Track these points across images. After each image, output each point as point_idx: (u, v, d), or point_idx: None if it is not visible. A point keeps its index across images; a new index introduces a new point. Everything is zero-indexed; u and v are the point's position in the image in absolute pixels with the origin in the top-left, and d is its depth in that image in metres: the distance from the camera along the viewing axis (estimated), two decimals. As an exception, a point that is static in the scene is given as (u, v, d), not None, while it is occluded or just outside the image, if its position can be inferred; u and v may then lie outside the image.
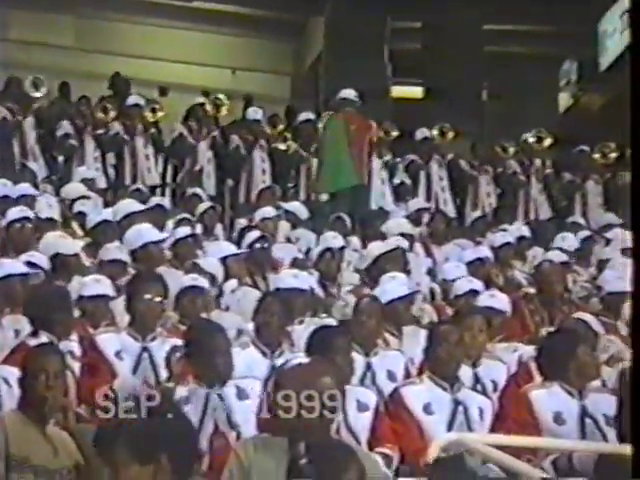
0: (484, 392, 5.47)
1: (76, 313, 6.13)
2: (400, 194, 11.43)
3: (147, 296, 5.74)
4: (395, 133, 12.11)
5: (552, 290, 7.25)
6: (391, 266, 7.35)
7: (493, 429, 5.06)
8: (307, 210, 10.16)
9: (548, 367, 5.00)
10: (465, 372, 5.42)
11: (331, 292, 7.84)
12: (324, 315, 7.04)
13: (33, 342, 5.39)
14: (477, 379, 5.62)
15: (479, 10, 14.97)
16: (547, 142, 12.27)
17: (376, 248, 7.90)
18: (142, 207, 8.97)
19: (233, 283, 7.55)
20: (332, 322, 6.41)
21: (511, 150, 12.15)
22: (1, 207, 8.25)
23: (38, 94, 11.86)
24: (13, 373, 4.83)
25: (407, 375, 5.65)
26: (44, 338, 5.49)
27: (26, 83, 11.78)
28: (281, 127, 12.31)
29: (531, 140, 12.28)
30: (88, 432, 4.34)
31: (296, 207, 10.19)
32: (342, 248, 8.35)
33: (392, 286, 6.52)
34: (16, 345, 5.58)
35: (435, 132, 12.15)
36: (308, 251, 8.82)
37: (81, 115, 12.08)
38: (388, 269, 7.18)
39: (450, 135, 12.19)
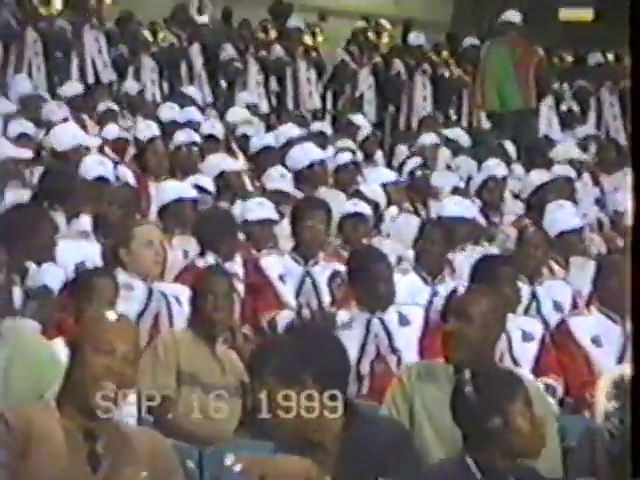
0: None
1: (240, 236, 6.22)
2: (568, 121, 11.12)
3: (311, 222, 5.78)
4: (570, 58, 11.75)
5: None
6: (554, 196, 7.17)
7: None
8: (469, 137, 10.01)
9: None
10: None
11: (494, 221, 7.72)
12: (486, 244, 6.96)
13: (201, 263, 5.52)
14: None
15: None
16: None
17: (537, 177, 7.73)
18: (303, 132, 9.02)
19: (394, 210, 7.52)
20: (495, 251, 6.33)
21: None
22: (169, 130, 8.40)
23: (203, 19, 12.02)
24: (183, 292, 4.96)
25: (574, 306, 5.54)
26: (211, 259, 5.60)
27: (191, 8, 11.96)
28: (445, 53, 12.13)
29: None
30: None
31: (458, 134, 10.03)
32: (505, 177, 8.20)
33: (561, 216, 6.37)
34: (185, 265, 5.71)
35: (610, 56, 11.68)
36: (469, 179, 8.70)
37: (243, 38, 12.16)
38: (551, 199, 7.01)
39: (627, 60, 11.75)
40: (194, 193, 6.48)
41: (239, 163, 7.89)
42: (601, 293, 5.10)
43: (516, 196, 8.14)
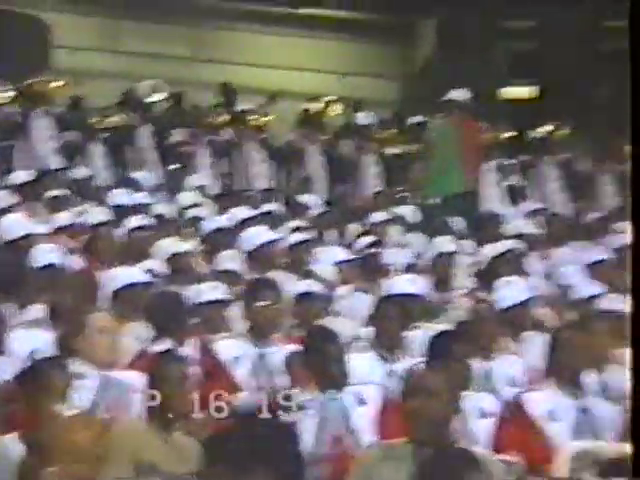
0: (612, 399, 5.33)
1: (193, 320, 6.20)
2: (512, 196, 11.28)
3: (263, 303, 5.79)
4: (509, 134, 11.97)
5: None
6: (506, 269, 7.25)
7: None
8: (418, 214, 10.11)
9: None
10: (591, 379, 5.30)
11: (445, 296, 7.77)
12: (437, 320, 6.99)
13: (155, 348, 5.48)
14: (604, 386, 5.49)
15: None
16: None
17: (491, 250, 7.81)
18: (256, 212, 9.07)
19: (345, 288, 7.54)
20: (448, 327, 6.36)
21: (627, 148, 11.85)
22: (118, 215, 8.40)
23: (157, 97, 12.08)
24: (138, 379, 4.92)
25: (529, 381, 5.57)
26: (165, 344, 5.57)
27: (144, 87, 12.02)
28: (393, 131, 12.29)
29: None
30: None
31: (407, 211, 10.15)
32: (455, 252, 8.28)
33: (509, 291, 6.43)
34: (139, 352, 5.67)
35: (549, 130, 11.92)
36: (419, 255, 8.76)
37: (194, 122, 12.25)
38: (503, 272, 7.08)
39: (565, 134, 11.98)
40: (145, 277, 6.47)
41: (190, 245, 7.90)
42: (555, 367, 5.13)
43: (470, 273, 8.21)
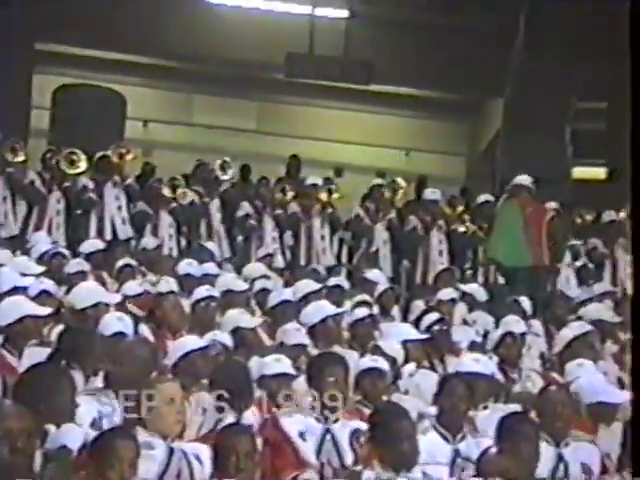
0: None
1: (257, 393, 6.16)
2: (582, 278, 11.17)
3: (331, 378, 5.74)
4: (584, 217, 11.89)
5: None
6: (579, 353, 7.14)
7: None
8: (486, 292, 10.03)
9: None
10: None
11: (512, 377, 7.66)
12: (505, 401, 6.88)
13: (223, 420, 5.44)
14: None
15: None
16: None
17: (569, 331, 7.71)
18: (320, 286, 9.06)
19: (411, 366, 7.47)
20: (517, 408, 6.25)
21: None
22: (187, 286, 8.44)
23: (226, 177, 12.28)
24: (204, 451, 4.89)
25: (604, 470, 5.43)
26: (231, 417, 5.53)
27: (215, 166, 12.21)
28: (460, 208, 12.27)
29: None
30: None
31: (474, 288, 10.08)
32: (523, 333, 8.17)
33: (584, 374, 6.31)
34: (205, 423, 5.62)
35: (623, 215, 11.84)
36: (486, 334, 8.67)
37: (260, 196, 12.35)
38: (576, 356, 6.97)
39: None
40: (203, 343, 6.44)
41: (255, 320, 7.89)
42: (629, 456, 4.99)
43: (539, 355, 8.09)
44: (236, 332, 7.42)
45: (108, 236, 11.08)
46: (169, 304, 7.79)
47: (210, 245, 11.06)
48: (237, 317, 7.64)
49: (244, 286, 8.87)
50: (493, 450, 3.94)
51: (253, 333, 7.55)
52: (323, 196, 12.19)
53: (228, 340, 7.18)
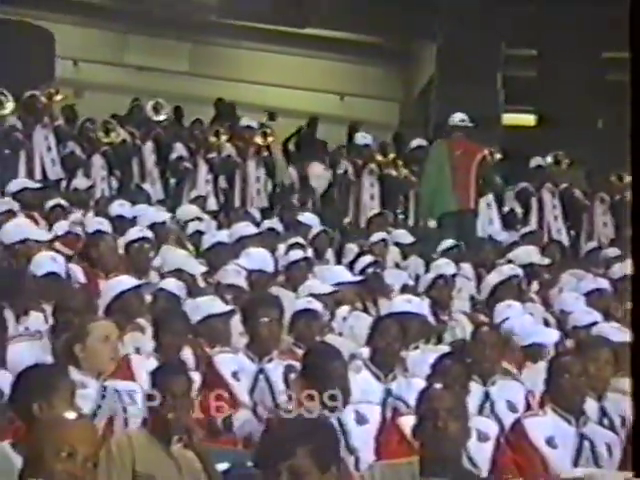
0: (612, 427, 5.33)
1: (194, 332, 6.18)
2: (510, 222, 11.31)
3: (265, 319, 5.78)
4: (499, 156, 12.04)
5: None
6: (506, 295, 7.27)
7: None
8: (413, 236, 10.12)
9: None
10: (591, 406, 5.30)
11: (442, 319, 7.77)
12: (435, 342, 6.98)
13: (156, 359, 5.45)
14: (604, 413, 5.48)
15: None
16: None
17: (493, 278, 7.83)
18: (256, 230, 9.07)
19: (345, 308, 7.54)
20: (447, 349, 6.35)
21: (627, 179, 11.96)
22: (119, 227, 8.39)
23: (160, 117, 12.14)
24: (138, 390, 4.90)
25: (528, 406, 5.55)
26: (166, 355, 5.54)
27: (148, 107, 12.08)
28: (392, 155, 12.31)
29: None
30: (212, 452, 4.38)
31: (403, 235, 10.17)
32: (454, 275, 8.28)
33: (511, 315, 6.43)
34: (140, 361, 5.63)
35: (549, 160, 12.01)
36: (417, 278, 8.77)
37: (194, 138, 12.26)
38: (505, 298, 7.10)
39: (565, 164, 12.05)
40: (136, 282, 6.41)
41: (198, 265, 7.84)
42: (553, 394, 5.12)
43: (470, 297, 8.22)
44: (172, 272, 7.40)
45: (38, 176, 10.94)
46: (105, 244, 7.74)
47: (146, 186, 10.99)
48: (177, 258, 7.64)
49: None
50: (438, 387, 4.05)
51: (193, 277, 7.55)
52: (258, 139, 12.13)
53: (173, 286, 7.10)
